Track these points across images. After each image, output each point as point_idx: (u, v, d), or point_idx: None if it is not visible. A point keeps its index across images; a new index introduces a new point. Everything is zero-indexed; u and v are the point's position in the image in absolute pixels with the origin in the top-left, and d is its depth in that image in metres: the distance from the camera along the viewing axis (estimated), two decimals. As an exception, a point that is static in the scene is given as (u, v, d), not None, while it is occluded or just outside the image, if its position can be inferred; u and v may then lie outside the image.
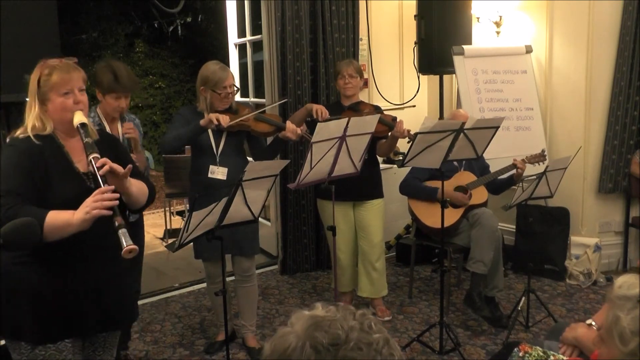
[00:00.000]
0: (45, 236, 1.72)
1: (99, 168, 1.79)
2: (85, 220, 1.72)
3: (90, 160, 1.81)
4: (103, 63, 2.94)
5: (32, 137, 1.89)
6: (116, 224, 1.73)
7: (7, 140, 1.98)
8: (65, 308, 1.92)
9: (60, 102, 1.90)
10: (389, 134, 3.52)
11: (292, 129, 3.15)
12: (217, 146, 3.15)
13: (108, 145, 2.01)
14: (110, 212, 1.73)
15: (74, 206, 1.76)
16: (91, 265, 1.94)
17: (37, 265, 1.87)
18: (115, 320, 2.10)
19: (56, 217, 1.74)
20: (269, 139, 3.41)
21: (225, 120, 2.99)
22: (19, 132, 1.94)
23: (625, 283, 1.36)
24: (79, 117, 1.90)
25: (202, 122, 3.01)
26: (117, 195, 1.78)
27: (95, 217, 1.72)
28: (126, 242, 1.69)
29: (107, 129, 2.87)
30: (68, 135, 1.96)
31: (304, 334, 0.89)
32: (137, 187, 1.99)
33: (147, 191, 2.07)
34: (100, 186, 1.77)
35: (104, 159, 1.81)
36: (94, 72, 2.89)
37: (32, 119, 1.92)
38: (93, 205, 1.72)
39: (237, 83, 5.32)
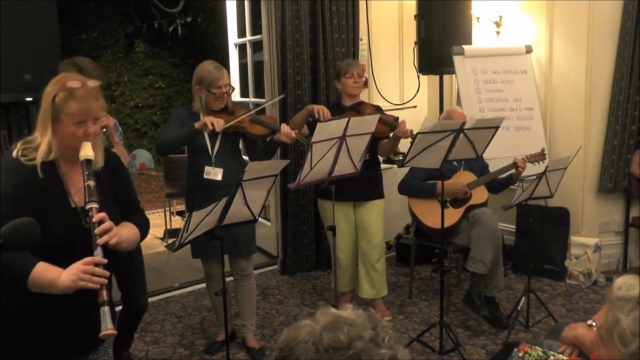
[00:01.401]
0: (30, 286, 1.64)
1: (95, 222, 1.68)
2: (69, 287, 1.63)
3: (88, 210, 1.70)
4: (65, 61, 2.75)
5: (39, 168, 1.74)
6: (99, 299, 1.63)
7: (6, 157, 1.79)
8: (40, 329, 1.79)
9: (71, 131, 1.75)
10: (391, 134, 3.52)
11: (286, 133, 3.13)
12: (213, 147, 3.14)
13: (111, 173, 1.90)
14: (97, 287, 1.64)
15: (66, 246, 1.69)
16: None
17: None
18: (94, 343, 1.94)
19: (42, 275, 1.64)
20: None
21: (219, 124, 2.96)
22: (20, 151, 1.76)
23: (624, 284, 1.35)
24: (85, 151, 1.75)
25: (196, 125, 2.99)
26: (107, 273, 1.67)
27: (82, 287, 1.63)
28: (106, 325, 1.58)
29: None
30: (70, 162, 1.82)
31: (318, 331, 0.90)
32: (129, 241, 1.86)
33: (139, 237, 1.95)
34: (93, 244, 1.66)
35: (102, 215, 1.70)
36: (58, 73, 2.75)
37: (45, 143, 1.75)
38: (81, 275, 1.62)
39: (237, 83, 5.37)
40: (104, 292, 1.64)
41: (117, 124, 2.90)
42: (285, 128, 3.15)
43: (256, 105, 5.04)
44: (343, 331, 0.89)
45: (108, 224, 1.70)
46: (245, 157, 3.52)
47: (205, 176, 3.11)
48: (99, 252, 1.67)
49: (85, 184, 1.72)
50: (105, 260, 1.67)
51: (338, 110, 3.60)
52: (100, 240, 1.67)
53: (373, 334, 0.90)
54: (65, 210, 1.78)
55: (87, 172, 1.73)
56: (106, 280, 1.66)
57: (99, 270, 1.64)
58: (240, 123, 3.11)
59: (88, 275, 1.62)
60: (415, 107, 5.11)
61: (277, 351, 0.94)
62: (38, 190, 1.74)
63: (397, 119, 3.54)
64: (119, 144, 2.83)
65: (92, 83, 1.82)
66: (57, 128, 1.76)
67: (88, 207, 1.70)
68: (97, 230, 1.68)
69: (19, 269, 1.62)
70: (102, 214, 1.70)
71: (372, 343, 0.89)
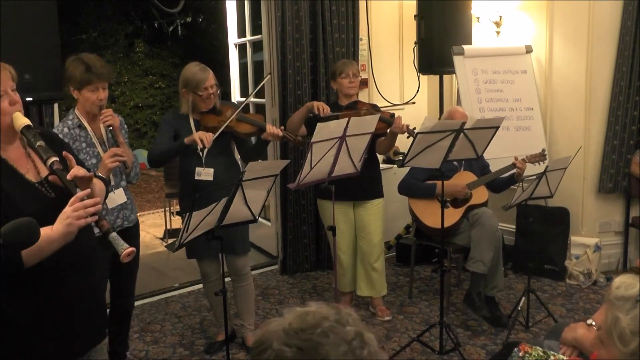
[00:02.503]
0: (26, 262, 1.57)
1: (62, 170, 1.64)
2: (69, 232, 1.58)
3: (51, 165, 1.65)
4: (72, 57, 2.72)
5: None
6: (104, 228, 1.60)
7: None
8: (38, 331, 1.72)
9: None
10: (388, 130, 3.52)
11: (272, 132, 3.12)
12: (203, 148, 3.13)
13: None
14: (95, 219, 1.59)
15: (41, 223, 1.56)
16: (56, 284, 1.73)
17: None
18: (93, 341, 1.91)
19: None
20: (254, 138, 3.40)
21: (208, 140, 2.95)
22: None
23: (623, 283, 1.35)
24: (21, 119, 1.68)
25: (186, 140, 3.00)
26: (99, 199, 1.63)
27: (81, 227, 1.58)
28: (122, 247, 1.57)
29: (89, 130, 2.75)
30: (6, 143, 1.72)
31: (287, 321, 0.95)
32: (100, 189, 1.83)
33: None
34: (71, 192, 1.61)
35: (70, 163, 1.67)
36: (65, 69, 2.72)
37: None
38: (75, 214, 1.56)
39: (237, 83, 5.37)
40: (104, 222, 1.61)
41: (122, 122, 2.90)
42: (271, 127, 3.15)
43: (256, 105, 5.06)
44: (310, 314, 0.95)
45: (77, 167, 1.67)
46: (238, 157, 3.52)
47: (196, 177, 3.11)
48: (78, 192, 1.62)
49: (36, 145, 1.68)
50: (89, 190, 1.62)
51: (335, 110, 3.61)
52: (70, 175, 1.63)
53: (337, 317, 0.95)
54: (27, 190, 1.72)
55: (32, 136, 1.68)
56: (101, 206, 1.61)
57: (89, 201, 1.58)
58: (228, 124, 3.11)
59: (81, 211, 1.57)
60: (414, 103, 5.11)
61: (252, 349, 0.98)
62: None
63: (392, 115, 3.54)
64: (124, 144, 2.83)
65: None
66: None
67: (49, 162, 1.65)
68: (69, 175, 1.64)
69: (7, 252, 1.54)
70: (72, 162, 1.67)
71: (337, 323, 0.94)
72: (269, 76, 4.11)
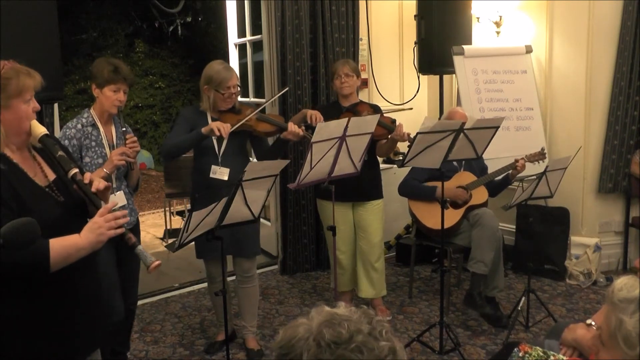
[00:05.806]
0: (53, 266, 1.61)
1: (85, 183, 1.70)
2: (99, 242, 1.64)
3: (73, 177, 1.71)
4: (102, 58, 2.85)
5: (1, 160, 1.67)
6: (131, 242, 1.66)
7: None
8: (34, 334, 1.72)
9: (24, 110, 1.72)
10: (389, 136, 3.52)
11: (293, 132, 3.13)
12: (220, 147, 3.13)
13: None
14: (123, 230, 1.66)
15: (53, 227, 1.63)
16: (58, 286, 1.73)
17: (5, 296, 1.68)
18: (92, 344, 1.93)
19: (62, 246, 1.61)
20: (272, 139, 3.41)
21: (226, 130, 2.94)
22: None
23: (625, 285, 1.34)
24: (40, 128, 1.74)
25: (203, 130, 2.99)
26: (126, 211, 1.72)
27: (111, 237, 1.64)
28: (149, 259, 1.65)
29: (102, 130, 2.79)
30: (18, 148, 1.77)
31: (315, 328, 0.91)
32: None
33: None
34: (94, 203, 1.68)
35: (89, 175, 1.73)
36: (92, 67, 2.81)
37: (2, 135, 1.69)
38: (107, 225, 1.63)
39: (237, 83, 5.35)
40: (130, 235, 1.68)
41: (130, 131, 2.90)
42: (292, 126, 3.15)
43: (257, 105, 5.05)
44: (343, 326, 0.91)
45: (92, 176, 1.74)
46: (252, 158, 3.51)
47: (211, 175, 3.11)
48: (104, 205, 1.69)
49: (57, 155, 1.74)
50: (117, 202, 1.75)
51: (335, 110, 3.61)
52: (93, 187, 1.70)
53: (370, 327, 0.92)
54: (37, 193, 1.75)
55: (51, 146, 1.74)
56: (128, 218, 1.69)
57: (118, 213, 1.66)
58: (247, 122, 3.11)
59: (112, 222, 1.64)
60: (411, 109, 5.10)
61: (276, 350, 0.95)
62: (8, 185, 1.67)
63: (394, 121, 3.54)
64: (136, 163, 2.87)
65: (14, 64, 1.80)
66: (7, 116, 1.70)
67: (71, 174, 1.71)
68: (93, 188, 1.70)
69: (36, 255, 1.58)
70: (89, 174, 1.75)
71: (371, 337, 0.91)
72: (286, 89, 4.02)
